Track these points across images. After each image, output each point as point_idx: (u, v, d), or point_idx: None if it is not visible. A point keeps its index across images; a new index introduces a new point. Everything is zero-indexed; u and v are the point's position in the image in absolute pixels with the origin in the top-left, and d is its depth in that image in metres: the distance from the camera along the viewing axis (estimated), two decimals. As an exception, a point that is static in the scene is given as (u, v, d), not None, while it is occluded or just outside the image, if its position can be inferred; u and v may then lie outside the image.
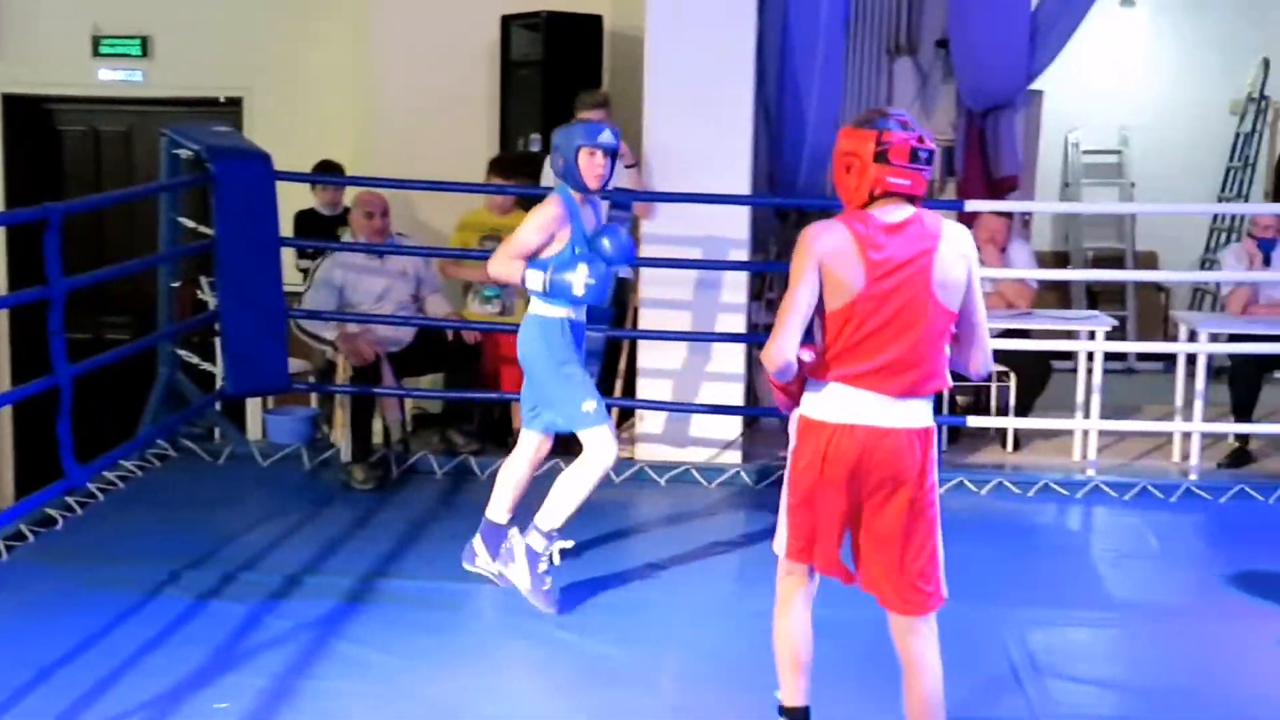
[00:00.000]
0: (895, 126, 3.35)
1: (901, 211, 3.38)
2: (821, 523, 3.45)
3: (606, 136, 4.78)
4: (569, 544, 4.89)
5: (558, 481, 4.81)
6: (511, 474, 5.04)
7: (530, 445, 5.01)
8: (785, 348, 3.35)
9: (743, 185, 6.79)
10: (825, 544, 3.47)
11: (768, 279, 7.91)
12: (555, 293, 4.72)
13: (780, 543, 3.59)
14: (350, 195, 7.78)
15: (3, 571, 5.08)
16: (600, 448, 4.75)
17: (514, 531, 4.89)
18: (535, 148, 7.83)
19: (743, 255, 6.86)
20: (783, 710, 3.63)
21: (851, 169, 3.40)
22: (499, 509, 5.04)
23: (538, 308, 4.88)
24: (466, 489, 6.37)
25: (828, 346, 3.39)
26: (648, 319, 6.85)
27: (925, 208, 3.47)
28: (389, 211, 6.85)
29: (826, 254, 3.35)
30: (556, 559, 4.85)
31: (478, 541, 5.09)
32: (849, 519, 3.46)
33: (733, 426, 6.88)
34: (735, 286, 6.88)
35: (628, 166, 6.51)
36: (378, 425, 6.82)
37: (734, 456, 6.83)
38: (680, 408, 6.76)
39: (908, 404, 3.37)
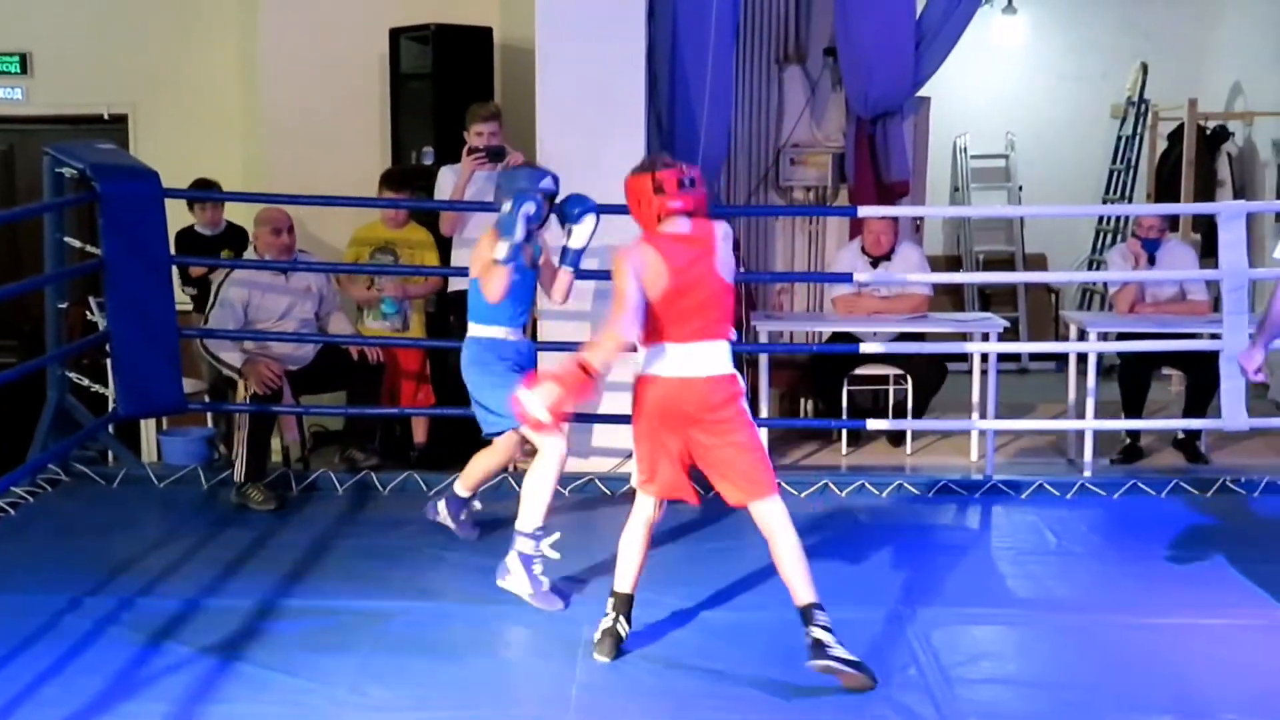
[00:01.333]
0: (663, 166, 4.42)
1: (684, 225, 4.43)
2: (662, 455, 4.43)
3: (548, 183, 5.29)
4: (555, 535, 5.07)
5: (523, 486, 5.12)
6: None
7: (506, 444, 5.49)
8: (628, 334, 4.35)
9: (638, 196, 6.78)
10: (667, 473, 4.45)
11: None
12: (517, 206, 5.06)
13: (635, 478, 4.57)
14: (234, 213, 7.74)
15: (-109, 604, 4.94)
16: (552, 445, 5.06)
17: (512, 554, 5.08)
18: (428, 160, 7.80)
19: (640, 265, 6.85)
20: (618, 594, 4.57)
21: (640, 203, 4.43)
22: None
23: (473, 330, 5.34)
24: (369, 505, 6.31)
25: (651, 323, 4.37)
26: (547, 330, 6.80)
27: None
28: (294, 228, 6.80)
29: (639, 268, 4.33)
30: (551, 553, 5.04)
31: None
32: (684, 449, 4.41)
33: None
34: (633, 296, 6.86)
35: (522, 178, 6.51)
36: (276, 444, 6.74)
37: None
38: (582, 418, 6.72)
39: (708, 354, 4.38)
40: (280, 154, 8.29)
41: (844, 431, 7.48)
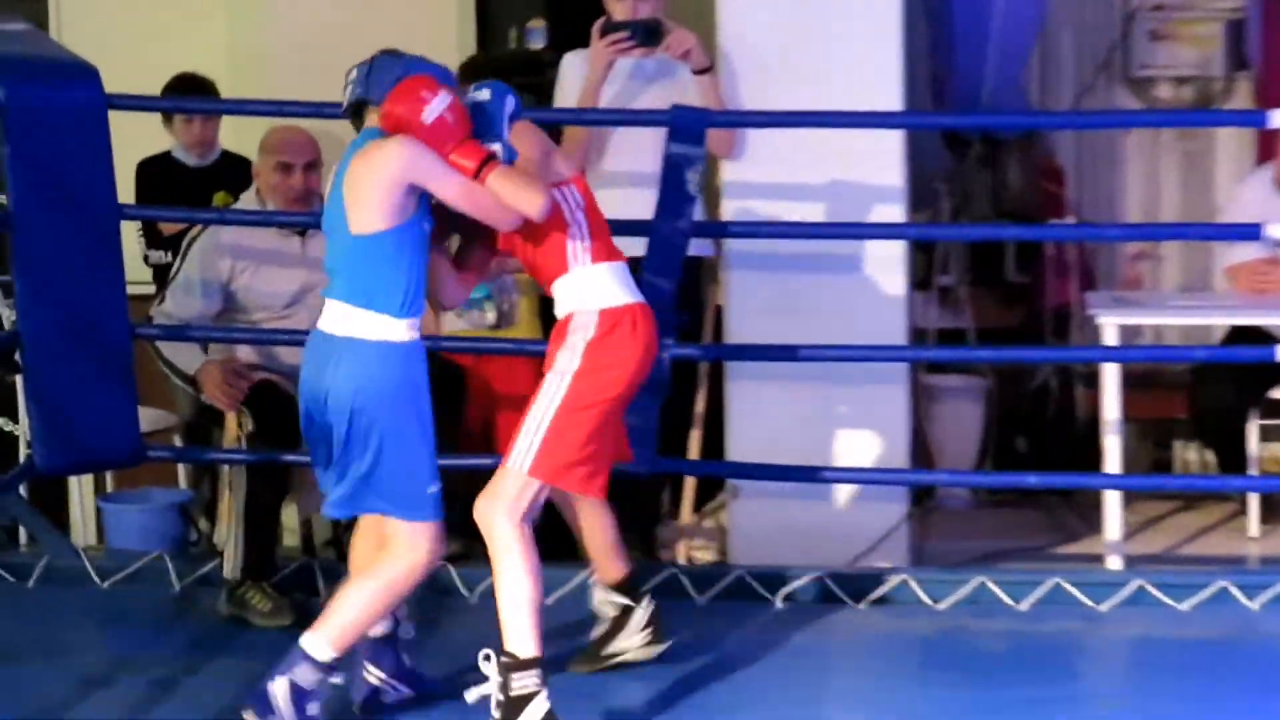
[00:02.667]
0: None
1: None
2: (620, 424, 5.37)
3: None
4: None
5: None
6: None
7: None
8: (543, 202, 4.90)
9: (892, 99, 6.82)
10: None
11: (940, 253, 7.84)
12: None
13: (566, 475, 5.16)
14: (238, 131, 7.69)
15: None
16: (417, 549, 5.20)
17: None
18: (537, 44, 8.05)
19: (896, 214, 6.86)
20: (532, 662, 4.90)
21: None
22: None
23: (373, 330, 4.99)
24: (443, 618, 6.22)
25: (598, 231, 5.18)
26: (740, 327, 6.85)
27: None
28: (319, 162, 6.72)
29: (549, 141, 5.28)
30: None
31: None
32: None
33: (891, 506, 6.78)
34: (884, 267, 6.86)
35: (696, 72, 6.62)
36: (291, 517, 6.74)
37: (896, 553, 6.77)
38: (799, 476, 6.64)
39: None
40: (294, 37, 8.43)
41: (1254, 497, 7.26)
